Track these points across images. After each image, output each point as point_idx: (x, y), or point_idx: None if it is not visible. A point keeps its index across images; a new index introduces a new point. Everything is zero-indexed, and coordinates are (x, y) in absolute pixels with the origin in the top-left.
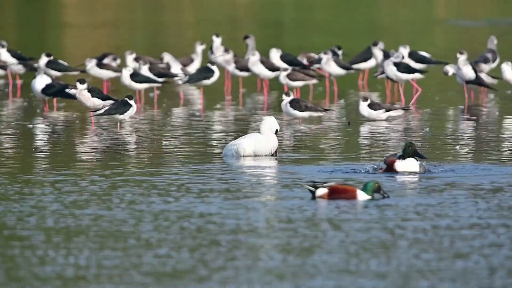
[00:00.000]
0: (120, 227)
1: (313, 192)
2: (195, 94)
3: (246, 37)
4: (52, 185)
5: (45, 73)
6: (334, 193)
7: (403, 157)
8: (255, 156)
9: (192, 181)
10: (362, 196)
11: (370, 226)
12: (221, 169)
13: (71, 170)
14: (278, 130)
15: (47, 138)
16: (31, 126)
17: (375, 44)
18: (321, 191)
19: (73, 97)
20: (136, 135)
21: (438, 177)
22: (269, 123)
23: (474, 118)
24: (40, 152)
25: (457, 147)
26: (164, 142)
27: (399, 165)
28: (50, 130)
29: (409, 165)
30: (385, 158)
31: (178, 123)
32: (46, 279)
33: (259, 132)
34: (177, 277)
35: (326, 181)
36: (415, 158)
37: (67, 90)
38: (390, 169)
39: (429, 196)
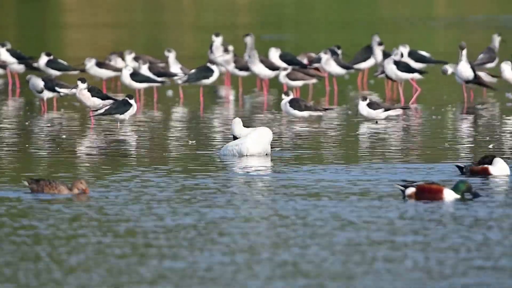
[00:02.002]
0: (121, 228)
1: (403, 192)
2: (195, 94)
3: (247, 35)
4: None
5: (45, 72)
6: (421, 192)
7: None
8: (257, 154)
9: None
10: (449, 195)
11: None
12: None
13: (71, 170)
14: (235, 136)
15: (46, 138)
16: (30, 125)
17: (380, 44)
18: (410, 191)
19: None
20: (136, 135)
21: None
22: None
23: (473, 117)
24: (40, 152)
25: (490, 146)
26: (190, 142)
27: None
28: (49, 130)
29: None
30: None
31: (178, 123)
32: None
33: (236, 134)
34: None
35: (415, 180)
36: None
37: (63, 90)
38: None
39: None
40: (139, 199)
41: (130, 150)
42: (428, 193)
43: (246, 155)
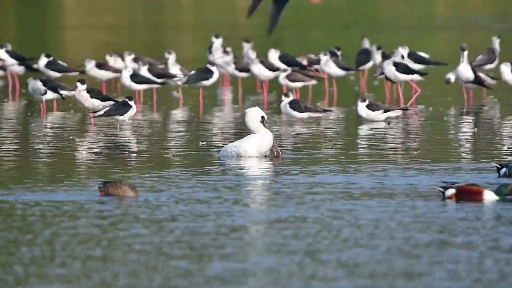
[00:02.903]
0: (122, 228)
1: (443, 193)
2: (194, 95)
3: (246, 41)
4: (51, 185)
5: (44, 74)
6: (461, 194)
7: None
8: (256, 156)
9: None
10: (489, 196)
11: None
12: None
13: (71, 170)
14: (265, 117)
15: (46, 139)
16: (31, 126)
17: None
18: (450, 192)
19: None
20: (136, 136)
21: None
22: (254, 114)
23: (473, 118)
24: (40, 153)
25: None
26: (201, 143)
27: None
28: (49, 131)
29: None
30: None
31: (177, 124)
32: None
33: (248, 126)
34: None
35: (456, 182)
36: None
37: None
38: None
39: None
40: (185, 200)
41: (131, 151)
42: (468, 194)
43: (245, 157)
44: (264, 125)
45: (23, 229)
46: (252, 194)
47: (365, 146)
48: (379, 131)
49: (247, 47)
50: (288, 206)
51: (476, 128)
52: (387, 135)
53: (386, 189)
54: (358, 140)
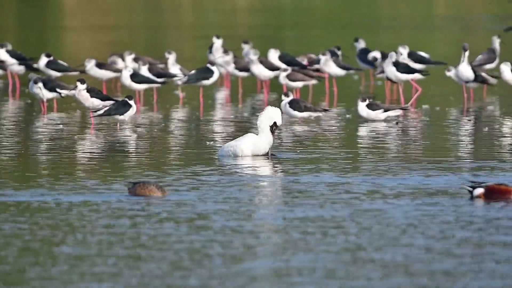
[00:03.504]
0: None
1: (471, 192)
2: (194, 95)
3: (245, 42)
4: (51, 186)
5: (45, 73)
6: (490, 193)
7: None
8: (252, 156)
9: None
10: None
11: None
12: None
13: (70, 171)
14: (278, 124)
15: (46, 139)
16: (32, 127)
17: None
18: (478, 191)
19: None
20: (136, 136)
21: None
22: (269, 114)
23: (474, 118)
24: (40, 153)
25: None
26: (208, 143)
27: None
28: (50, 131)
29: None
30: None
31: (177, 124)
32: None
33: (260, 118)
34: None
35: (484, 181)
36: None
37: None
38: None
39: None
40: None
41: (130, 151)
42: (497, 194)
43: (241, 156)
44: (272, 130)
45: (58, 229)
46: (273, 193)
47: (380, 146)
48: (390, 131)
49: (246, 48)
50: (317, 206)
51: (487, 128)
52: (401, 135)
53: (410, 189)
54: (371, 140)
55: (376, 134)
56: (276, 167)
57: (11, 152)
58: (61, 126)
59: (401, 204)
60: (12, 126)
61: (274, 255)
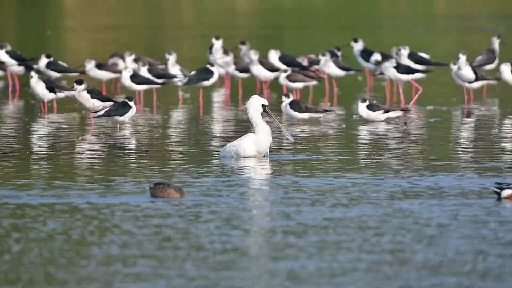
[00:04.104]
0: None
1: (498, 194)
2: (194, 95)
3: (242, 43)
4: (51, 186)
5: (45, 74)
6: None
7: None
8: (255, 156)
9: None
10: None
11: None
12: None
13: (71, 171)
14: (266, 105)
15: (46, 139)
16: (32, 128)
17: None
18: (506, 193)
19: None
20: (136, 137)
21: None
22: (253, 105)
23: (474, 118)
24: (40, 154)
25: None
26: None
27: None
28: (50, 131)
29: None
30: None
31: (177, 125)
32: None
33: (249, 114)
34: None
35: (511, 183)
36: None
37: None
38: None
39: None
40: (139, 202)
41: (130, 152)
42: None
43: (243, 156)
44: (267, 112)
45: (86, 230)
46: (302, 194)
47: (402, 147)
48: (398, 132)
49: (244, 48)
50: (347, 206)
51: (497, 129)
52: (417, 137)
53: (438, 189)
54: (393, 142)
55: (394, 136)
56: (298, 167)
57: (11, 152)
58: (60, 126)
59: (432, 204)
60: (12, 126)
61: (317, 254)
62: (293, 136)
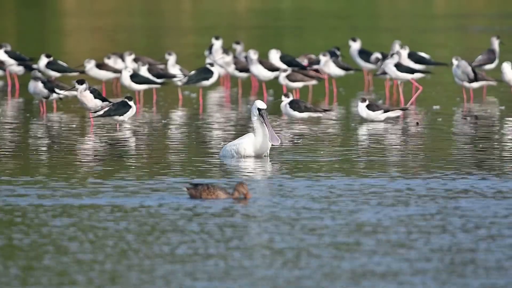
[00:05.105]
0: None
1: None
2: (194, 95)
3: (237, 43)
4: (51, 187)
5: (44, 74)
6: None
7: None
8: (255, 155)
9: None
10: None
11: None
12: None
13: (71, 171)
14: (261, 108)
15: (45, 139)
16: (31, 126)
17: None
18: None
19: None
20: (136, 137)
21: None
22: (253, 109)
23: (473, 118)
24: (39, 154)
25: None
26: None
27: None
28: (49, 131)
29: None
30: None
31: (177, 125)
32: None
33: (251, 117)
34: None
35: None
36: None
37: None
38: None
39: None
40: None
41: (130, 152)
42: None
43: (244, 156)
44: (262, 115)
45: (127, 232)
46: (338, 195)
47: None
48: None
49: (239, 48)
50: (365, 207)
51: (503, 130)
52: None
53: (478, 188)
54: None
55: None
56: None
57: (11, 152)
58: (60, 126)
59: (458, 206)
60: (12, 127)
61: (375, 254)
62: (282, 138)
